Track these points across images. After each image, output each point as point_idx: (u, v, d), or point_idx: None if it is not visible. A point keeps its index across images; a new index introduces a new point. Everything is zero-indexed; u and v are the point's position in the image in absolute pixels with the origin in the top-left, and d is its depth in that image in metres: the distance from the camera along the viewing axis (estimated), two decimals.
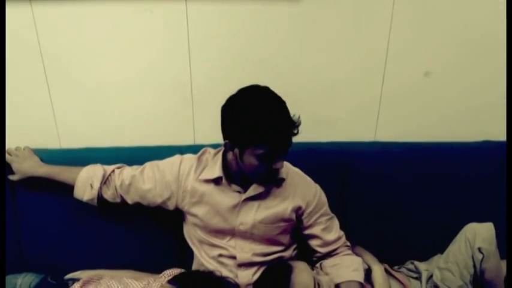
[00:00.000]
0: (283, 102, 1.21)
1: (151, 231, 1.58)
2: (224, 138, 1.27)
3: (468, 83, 1.65)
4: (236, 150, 1.25)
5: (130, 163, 1.47)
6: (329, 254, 1.46)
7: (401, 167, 1.62)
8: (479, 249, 1.44)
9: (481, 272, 1.45)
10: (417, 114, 1.69)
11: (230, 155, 1.30)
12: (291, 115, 1.21)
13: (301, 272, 1.33)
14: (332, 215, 1.47)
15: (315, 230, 1.43)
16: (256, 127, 1.17)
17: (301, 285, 1.30)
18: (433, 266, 1.58)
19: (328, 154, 1.60)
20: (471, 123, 1.71)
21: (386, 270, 1.56)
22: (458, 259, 1.49)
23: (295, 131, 1.21)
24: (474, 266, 1.46)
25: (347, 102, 1.65)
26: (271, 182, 1.36)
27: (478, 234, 1.45)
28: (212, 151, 1.42)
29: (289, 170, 1.42)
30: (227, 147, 1.28)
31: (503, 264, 1.58)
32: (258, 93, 1.22)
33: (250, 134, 1.18)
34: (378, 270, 1.48)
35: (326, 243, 1.44)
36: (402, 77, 1.62)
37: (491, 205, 1.65)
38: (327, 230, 1.44)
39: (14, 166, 1.46)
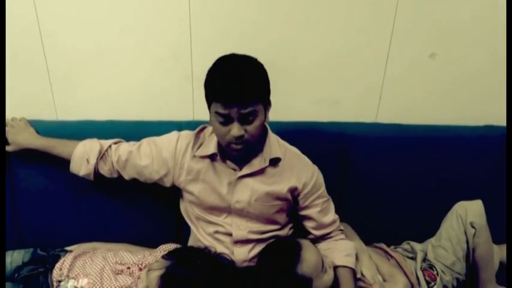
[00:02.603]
0: (253, 66, 1.20)
1: (149, 206, 1.58)
2: None
3: (473, 66, 1.62)
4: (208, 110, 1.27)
5: (127, 137, 1.46)
6: (322, 237, 1.46)
7: (402, 149, 1.61)
8: (472, 224, 1.47)
9: (473, 247, 1.49)
10: (420, 96, 1.66)
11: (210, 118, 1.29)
12: (257, 81, 1.20)
13: (311, 250, 1.34)
14: (328, 197, 1.46)
15: (311, 212, 1.42)
16: (211, 83, 1.20)
17: (310, 263, 1.31)
18: (428, 246, 1.60)
19: (328, 135, 1.58)
20: (474, 106, 1.68)
21: (382, 249, 1.60)
22: (451, 235, 1.52)
23: (256, 98, 1.19)
24: (467, 241, 1.49)
25: (349, 82, 1.62)
26: (242, 153, 1.29)
27: (469, 210, 1.49)
28: (210, 128, 1.40)
29: (286, 150, 1.41)
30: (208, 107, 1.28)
31: (498, 248, 1.61)
32: (232, 56, 1.22)
33: (207, 91, 1.22)
34: (364, 258, 1.49)
35: (321, 226, 1.44)
36: (406, 58, 1.59)
37: (491, 189, 1.64)
38: (323, 213, 1.43)
39: (9, 137, 1.44)
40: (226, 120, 1.20)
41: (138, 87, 1.58)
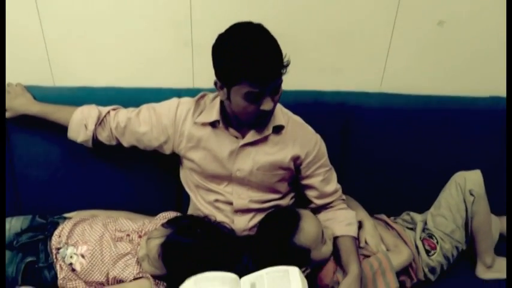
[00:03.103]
0: (271, 38, 1.15)
1: (148, 174, 1.57)
2: (215, 77, 1.22)
3: (482, 35, 1.58)
4: (225, 90, 1.21)
5: (126, 104, 1.44)
6: (324, 207, 1.45)
7: (406, 120, 1.59)
8: (470, 192, 1.48)
9: (471, 216, 1.50)
10: (426, 66, 1.63)
11: (221, 95, 1.25)
12: (280, 53, 1.15)
13: (310, 220, 1.34)
14: (331, 166, 1.45)
15: (313, 181, 1.41)
16: (237, 65, 1.13)
17: (309, 234, 1.31)
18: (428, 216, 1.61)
19: (330, 104, 1.55)
20: (482, 76, 1.65)
21: (383, 221, 1.60)
22: (450, 204, 1.53)
23: (282, 71, 1.16)
24: (466, 209, 1.51)
25: (354, 50, 1.59)
26: (265, 124, 1.32)
27: (468, 179, 1.51)
28: (211, 95, 1.38)
29: (289, 118, 1.39)
30: (217, 87, 1.24)
31: (498, 219, 1.63)
32: (244, 29, 1.16)
33: (232, 72, 1.15)
34: (368, 226, 1.50)
35: (323, 195, 1.43)
36: (413, 25, 1.55)
37: (496, 162, 1.63)
38: (325, 182, 1.42)
39: (6, 103, 1.41)
40: (257, 98, 1.17)
41: (136, 53, 1.54)
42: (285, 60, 1.16)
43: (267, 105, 1.19)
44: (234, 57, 1.13)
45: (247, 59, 1.11)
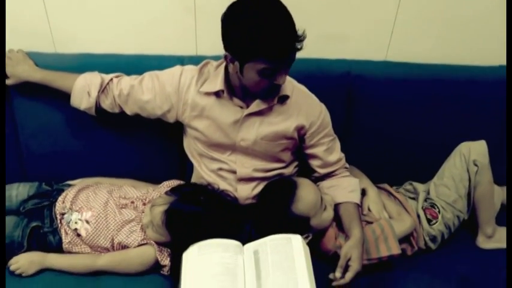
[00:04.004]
0: (287, 13, 1.13)
1: (152, 142, 1.57)
2: (225, 50, 1.20)
3: (491, 3, 1.54)
4: (236, 64, 1.19)
5: (128, 71, 1.42)
6: (328, 175, 1.46)
7: (412, 90, 1.57)
8: (474, 162, 1.49)
9: (474, 186, 1.51)
10: (434, 34, 1.60)
11: (231, 68, 1.24)
12: (296, 28, 1.13)
13: (307, 188, 1.35)
14: (334, 135, 1.45)
15: (317, 151, 1.41)
16: (255, 42, 1.11)
17: (306, 202, 1.33)
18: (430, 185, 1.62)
19: (335, 73, 1.53)
20: (490, 46, 1.62)
21: (386, 190, 1.60)
22: (454, 173, 1.54)
23: (299, 46, 1.14)
24: (469, 179, 1.51)
25: (359, 17, 1.55)
26: (274, 96, 1.32)
27: (473, 149, 1.51)
28: (214, 63, 1.36)
29: (294, 87, 1.37)
30: (227, 60, 1.22)
31: (500, 189, 1.63)
32: (260, 2, 1.13)
33: (249, 49, 1.13)
34: (372, 193, 1.51)
35: (326, 164, 1.44)
36: None
37: (501, 130, 1.60)
38: (328, 151, 1.43)
39: (7, 70, 1.40)
40: (272, 73, 1.17)
41: (138, 19, 1.51)
42: (301, 34, 1.14)
43: (281, 79, 1.20)
44: (250, 33, 1.11)
45: (264, 36, 1.10)
